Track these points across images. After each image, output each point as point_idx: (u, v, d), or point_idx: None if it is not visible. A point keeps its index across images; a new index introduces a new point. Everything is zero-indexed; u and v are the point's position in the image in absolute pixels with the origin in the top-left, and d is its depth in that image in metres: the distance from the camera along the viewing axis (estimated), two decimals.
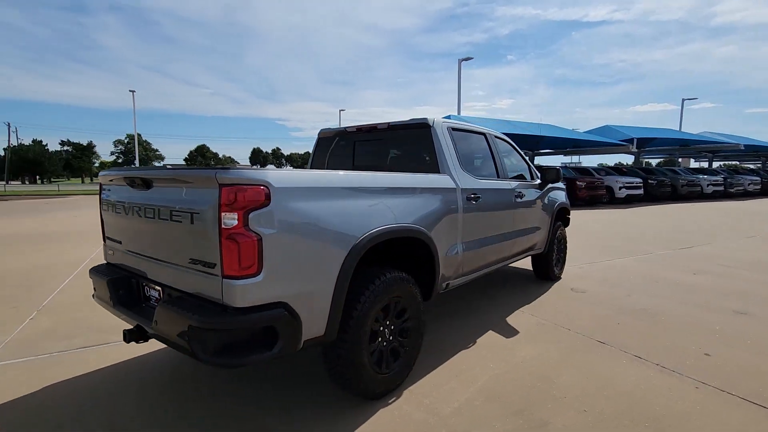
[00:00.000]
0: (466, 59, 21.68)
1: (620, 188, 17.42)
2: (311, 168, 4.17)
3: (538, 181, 4.61)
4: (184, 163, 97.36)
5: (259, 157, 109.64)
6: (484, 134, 3.93)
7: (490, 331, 3.57)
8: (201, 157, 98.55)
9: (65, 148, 75.94)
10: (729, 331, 3.55)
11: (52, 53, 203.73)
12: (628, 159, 30.74)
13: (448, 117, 17.21)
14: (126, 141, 77.92)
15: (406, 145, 3.48)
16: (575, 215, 13.33)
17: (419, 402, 2.48)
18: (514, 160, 4.59)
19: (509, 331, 3.57)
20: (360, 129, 3.68)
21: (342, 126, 3.97)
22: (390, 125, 3.46)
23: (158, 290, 2.26)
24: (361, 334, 2.27)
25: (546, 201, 4.75)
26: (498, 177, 3.88)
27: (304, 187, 2.01)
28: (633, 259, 6.56)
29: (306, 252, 2.00)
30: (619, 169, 20.15)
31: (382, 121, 3.52)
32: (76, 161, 75.07)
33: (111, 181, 2.59)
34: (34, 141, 66.96)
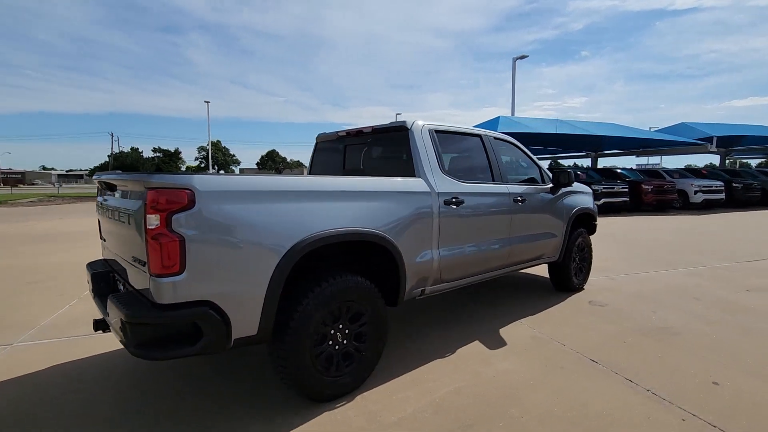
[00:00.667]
0: (521, 57, 20.72)
1: (695, 192, 15.61)
2: (310, 172, 4.28)
3: (549, 185, 4.32)
4: (256, 167, 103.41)
5: None
6: (479, 136, 3.78)
7: (476, 341, 3.41)
8: (271, 161, 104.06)
9: (157, 154, 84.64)
10: (755, 357, 3.07)
11: (149, 70, 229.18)
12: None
13: (496, 119, 16.65)
14: (208, 147, 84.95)
15: (387, 148, 3.46)
16: (636, 222, 12.37)
17: (365, 408, 2.45)
18: (522, 163, 4.36)
19: (496, 343, 3.39)
20: (348, 133, 3.72)
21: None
22: (374, 129, 3.46)
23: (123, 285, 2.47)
24: (302, 335, 2.30)
25: (559, 206, 4.43)
26: (493, 180, 3.70)
27: (233, 191, 2.08)
28: (681, 271, 5.89)
29: (234, 253, 2.08)
30: (696, 171, 18.07)
31: (367, 125, 3.53)
32: (165, 166, 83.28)
33: (100, 184, 2.88)
34: (132, 149, 75.68)
